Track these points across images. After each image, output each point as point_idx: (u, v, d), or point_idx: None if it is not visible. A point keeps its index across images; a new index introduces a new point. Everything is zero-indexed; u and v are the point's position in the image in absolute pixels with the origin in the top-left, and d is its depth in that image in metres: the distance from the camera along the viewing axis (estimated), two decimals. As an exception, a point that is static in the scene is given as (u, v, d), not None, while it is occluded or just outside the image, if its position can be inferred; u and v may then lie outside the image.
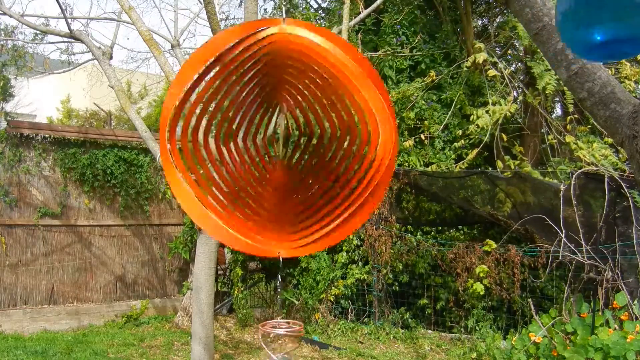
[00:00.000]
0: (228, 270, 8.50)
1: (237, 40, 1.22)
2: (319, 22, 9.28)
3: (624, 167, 6.12)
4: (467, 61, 7.41)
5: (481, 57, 7.04)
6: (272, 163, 1.58)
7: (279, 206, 1.45)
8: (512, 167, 6.86)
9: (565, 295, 5.49)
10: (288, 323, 1.49)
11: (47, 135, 7.75)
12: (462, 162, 7.15)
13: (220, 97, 1.32)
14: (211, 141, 1.41)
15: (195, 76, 1.21)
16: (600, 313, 4.90)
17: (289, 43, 1.17)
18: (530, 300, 5.68)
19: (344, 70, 1.10)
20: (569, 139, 6.80)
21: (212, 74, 1.27)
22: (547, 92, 6.86)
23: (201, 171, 1.39)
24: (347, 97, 1.14)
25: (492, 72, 7.18)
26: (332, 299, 7.29)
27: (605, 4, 1.35)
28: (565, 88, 6.85)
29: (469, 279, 6.36)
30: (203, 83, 1.29)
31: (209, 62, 1.22)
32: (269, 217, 1.41)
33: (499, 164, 7.00)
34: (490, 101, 7.24)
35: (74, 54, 8.98)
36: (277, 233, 1.30)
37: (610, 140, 6.50)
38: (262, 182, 1.51)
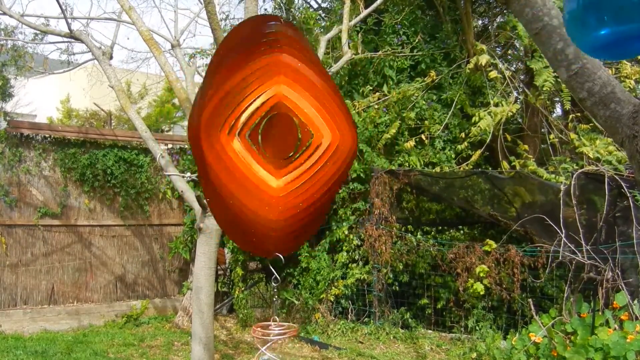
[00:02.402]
0: (228, 270, 8.50)
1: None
2: (319, 22, 9.28)
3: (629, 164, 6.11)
4: (469, 62, 7.40)
5: (484, 59, 7.03)
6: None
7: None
8: (518, 166, 6.86)
9: (565, 295, 5.49)
10: (281, 325, 1.53)
11: (47, 135, 7.75)
12: (465, 163, 7.15)
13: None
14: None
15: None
16: (600, 313, 4.90)
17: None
18: (530, 300, 5.67)
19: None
20: (572, 136, 6.79)
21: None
22: (544, 89, 6.85)
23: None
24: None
25: (493, 73, 7.18)
26: (332, 299, 7.29)
27: (611, 3, 1.34)
28: (562, 86, 6.86)
29: (469, 279, 6.36)
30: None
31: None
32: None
33: (505, 164, 6.99)
34: (491, 102, 7.23)
35: (74, 54, 8.98)
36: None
37: (609, 140, 6.51)
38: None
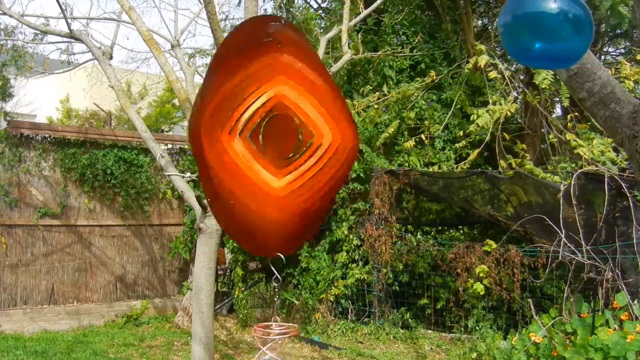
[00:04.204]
0: (228, 271, 8.50)
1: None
2: (319, 22, 9.28)
3: (623, 164, 6.11)
4: (468, 63, 7.40)
5: (483, 60, 7.03)
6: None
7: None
8: (514, 165, 6.85)
9: (565, 295, 5.49)
10: (282, 325, 1.54)
11: (47, 136, 7.75)
12: (463, 162, 7.14)
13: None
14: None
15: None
16: (600, 313, 4.90)
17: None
18: (530, 300, 5.67)
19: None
20: (569, 136, 6.79)
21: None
22: (543, 86, 6.83)
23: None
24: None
25: (493, 74, 7.18)
26: (332, 299, 7.29)
27: (536, 25, 1.57)
28: (561, 84, 6.84)
29: (469, 279, 6.36)
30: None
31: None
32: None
33: (502, 163, 6.98)
34: (490, 101, 7.23)
35: (74, 54, 8.95)
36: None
37: (609, 140, 6.50)
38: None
